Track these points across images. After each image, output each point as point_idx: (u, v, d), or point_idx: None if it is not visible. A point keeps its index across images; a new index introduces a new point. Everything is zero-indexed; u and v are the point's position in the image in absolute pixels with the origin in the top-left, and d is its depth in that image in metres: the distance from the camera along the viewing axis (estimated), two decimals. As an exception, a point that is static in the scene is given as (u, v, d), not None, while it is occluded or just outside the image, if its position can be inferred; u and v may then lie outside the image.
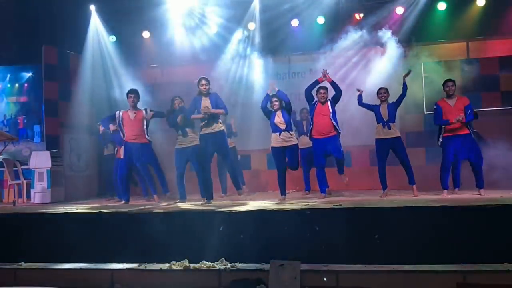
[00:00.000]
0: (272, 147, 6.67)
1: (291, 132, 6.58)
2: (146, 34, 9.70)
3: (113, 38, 9.73)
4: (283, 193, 6.61)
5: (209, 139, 6.37)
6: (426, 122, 8.73)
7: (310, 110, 6.93)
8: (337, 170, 6.93)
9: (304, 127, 7.84)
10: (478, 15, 8.51)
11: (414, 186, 6.72)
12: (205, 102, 6.38)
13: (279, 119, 6.57)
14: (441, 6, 8.60)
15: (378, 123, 6.91)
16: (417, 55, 8.88)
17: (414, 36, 8.65)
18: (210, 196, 6.49)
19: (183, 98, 7.09)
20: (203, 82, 6.43)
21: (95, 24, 9.47)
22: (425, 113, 8.79)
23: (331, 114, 6.71)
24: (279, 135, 6.55)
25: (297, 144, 6.67)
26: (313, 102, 6.84)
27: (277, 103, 6.58)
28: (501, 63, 8.63)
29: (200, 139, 6.52)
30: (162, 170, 7.26)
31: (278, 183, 6.69)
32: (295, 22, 9.14)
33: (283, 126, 6.54)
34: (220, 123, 6.45)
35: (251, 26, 9.28)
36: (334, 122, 6.70)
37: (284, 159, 6.63)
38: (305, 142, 7.54)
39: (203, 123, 6.39)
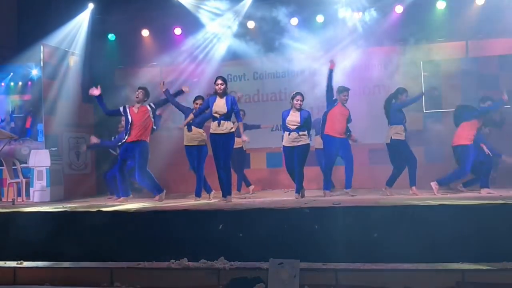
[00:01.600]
0: (283, 146, 6.70)
1: (300, 133, 6.54)
2: (145, 32, 9.69)
3: (112, 36, 9.72)
4: (298, 191, 6.65)
5: (219, 140, 6.34)
6: (426, 121, 8.74)
7: (328, 108, 6.94)
8: (345, 183, 6.94)
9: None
10: (478, 14, 8.50)
11: (414, 187, 6.74)
12: (219, 103, 6.31)
13: (292, 118, 6.57)
14: (441, 5, 8.60)
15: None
16: (417, 54, 8.90)
17: (413, 35, 8.64)
18: (227, 192, 6.48)
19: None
20: (219, 81, 6.32)
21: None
22: (424, 111, 8.80)
23: (348, 119, 6.89)
24: (289, 134, 6.57)
25: (307, 145, 6.60)
26: (335, 100, 6.90)
27: (301, 102, 6.58)
28: (500, 62, 8.64)
29: (210, 139, 6.45)
30: (147, 172, 6.97)
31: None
32: (294, 21, 9.13)
33: (293, 127, 6.54)
34: (231, 124, 6.39)
35: (250, 24, 9.28)
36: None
37: (293, 158, 6.63)
38: (319, 142, 7.56)
39: (214, 122, 6.34)
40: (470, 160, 6.59)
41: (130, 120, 6.83)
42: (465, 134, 6.77)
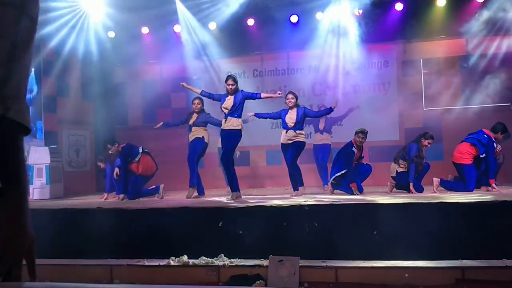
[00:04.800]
0: (281, 143, 6.78)
1: (297, 132, 6.60)
2: (145, 29, 9.67)
3: (111, 34, 9.68)
4: (295, 188, 6.67)
5: (224, 135, 6.48)
6: (425, 118, 8.74)
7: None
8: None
9: (321, 124, 7.89)
10: (478, 11, 8.48)
11: (411, 184, 6.76)
12: (228, 100, 6.41)
13: (290, 116, 6.63)
14: (441, 2, 8.59)
15: None
16: (416, 52, 8.88)
17: (413, 32, 8.63)
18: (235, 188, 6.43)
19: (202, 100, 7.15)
20: (230, 81, 6.41)
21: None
22: (424, 109, 8.80)
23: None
24: (286, 132, 6.63)
25: (301, 142, 6.63)
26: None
27: (293, 100, 6.61)
28: (499, 59, 8.62)
29: (220, 135, 6.69)
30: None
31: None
32: (294, 18, 9.10)
33: (291, 125, 6.57)
34: (238, 121, 6.38)
35: (250, 22, 9.26)
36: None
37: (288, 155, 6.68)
38: (318, 139, 7.81)
39: (224, 119, 6.50)
40: (472, 180, 6.58)
41: None
42: (465, 152, 6.74)
